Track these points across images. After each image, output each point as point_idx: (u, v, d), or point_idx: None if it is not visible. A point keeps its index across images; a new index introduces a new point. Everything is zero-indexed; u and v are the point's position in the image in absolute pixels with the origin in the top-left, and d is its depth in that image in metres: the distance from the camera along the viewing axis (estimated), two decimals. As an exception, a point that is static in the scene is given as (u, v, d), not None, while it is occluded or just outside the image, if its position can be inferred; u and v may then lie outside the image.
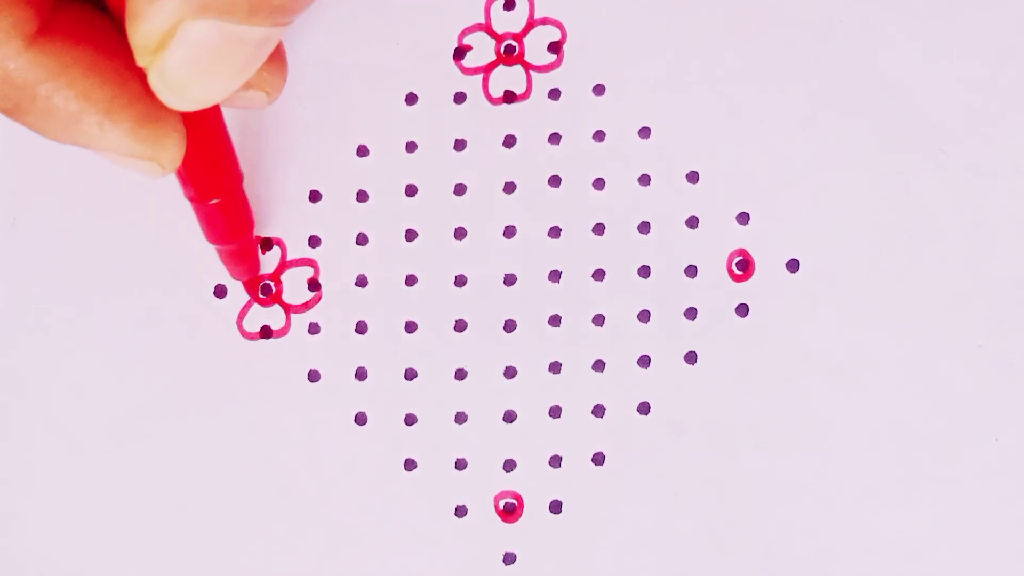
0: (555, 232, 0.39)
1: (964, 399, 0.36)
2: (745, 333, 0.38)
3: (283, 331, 0.39)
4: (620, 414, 0.38)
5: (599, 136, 0.39)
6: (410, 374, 0.39)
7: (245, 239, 0.37)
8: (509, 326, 0.38)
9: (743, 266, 0.38)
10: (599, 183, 0.39)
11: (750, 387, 0.37)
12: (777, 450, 0.37)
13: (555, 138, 0.39)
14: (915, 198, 0.37)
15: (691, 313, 0.38)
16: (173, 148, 0.30)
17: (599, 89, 0.39)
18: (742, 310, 0.38)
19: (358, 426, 0.38)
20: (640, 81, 0.39)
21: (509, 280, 0.39)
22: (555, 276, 0.38)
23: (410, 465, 0.38)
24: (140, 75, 0.29)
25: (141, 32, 0.28)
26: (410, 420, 0.38)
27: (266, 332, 0.39)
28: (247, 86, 0.33)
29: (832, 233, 0.38)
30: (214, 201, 0.35)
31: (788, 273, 0.38)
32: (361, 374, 0.39)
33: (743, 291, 0.38)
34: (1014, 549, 0.36)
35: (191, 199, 0.35)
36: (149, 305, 0.39)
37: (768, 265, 0.38)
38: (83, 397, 0.39)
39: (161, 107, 0.30)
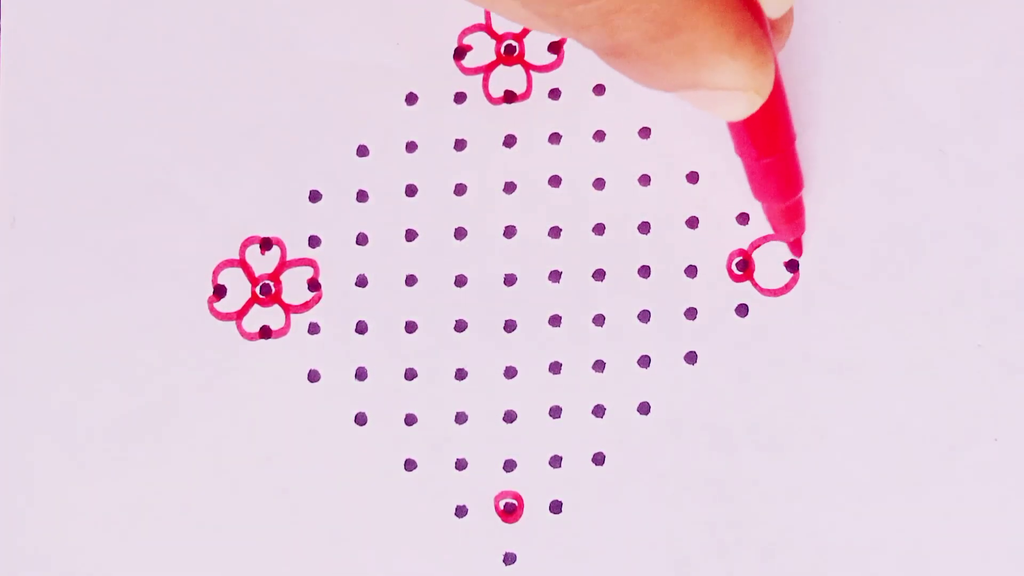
0: (555, 232, 0.39)
1: (964, 399, 0.36)
2: (745, 333, 0.38)
3: (283, 331, 0.39)
4: (620, 414, 0.38)
5: (599, 136, 0.39)
6: (410, 374, 0.39)
7: (796, 197, 0.36)
8: (509, 326, 0.38)
9: (743, 266, 0.38)
10: (599, 183, 0.39)
11: (750, 387, 0.37)
12: (777, 450, 0.37)
13: (555, 138, 0.39)
14: (915, 198, 0.37)
15: (691, 313, 0.38)
16: (771, 75, 0.30)
17: (599, 89, 0.39)
18: (742, 310, 0.38)
19: (358, 426, 0.38)
20: (640, 81, 0.39)
21: (509, 280, 0.39)
22: (555, 276, 0.39)
23: (410, 465, 0.38)
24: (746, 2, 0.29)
25: None
26: (410, 420, 0.38)
27: (266, 332, 0.39)
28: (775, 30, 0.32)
29: (832, 233, 0.38)
30: (769, 159, 0.34)
31: (788, 273, 0.38)
32: (361, 374, 0.39)
33: (743, 291, 0.38)
34: (1014, 549, 0.36)
35: (748, 156, 0.34)
36: (149, 304, 0.39)
37: (768, 265, 0.38)
38: (82, 397, 0.39)
39: (764, 35, 0.29)
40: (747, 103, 0.30)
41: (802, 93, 0.38)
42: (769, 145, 0.33)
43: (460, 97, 0.39)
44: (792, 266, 0.38)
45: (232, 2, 0.40)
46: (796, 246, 0.38)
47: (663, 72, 0.29)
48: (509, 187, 0.39)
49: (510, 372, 0.38)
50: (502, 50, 0.39)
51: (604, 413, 0.38)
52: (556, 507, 0.38)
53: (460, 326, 0.39)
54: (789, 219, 0.37)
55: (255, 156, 0.40)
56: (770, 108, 0.31)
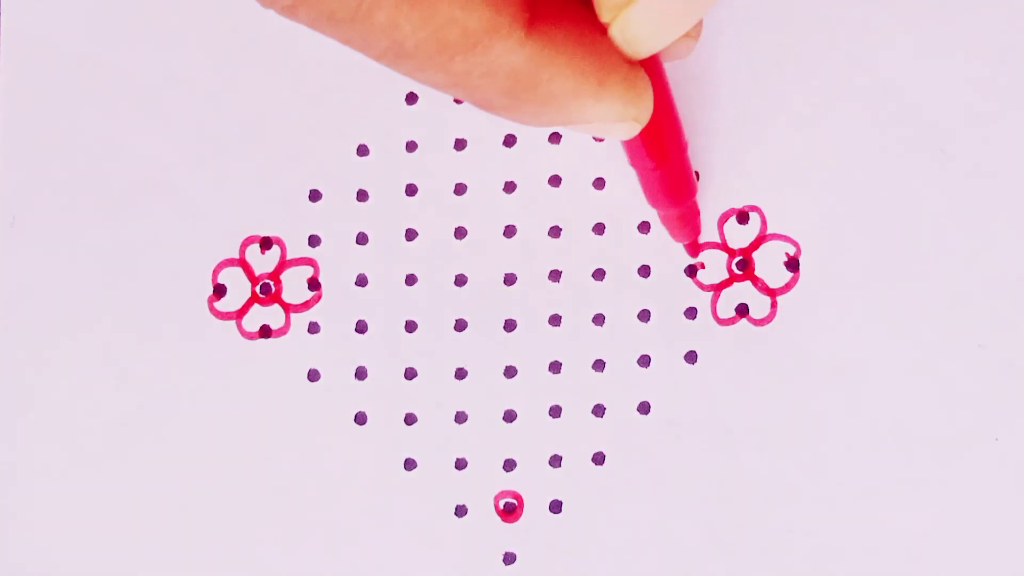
0: (555, 232, 0.39)
1: (964, 399, 0.37)
2: (745, 333, 0.38)
3: (283, 331, 0.39)
4: (620, 414, 0.38)
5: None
6: (410, 374, 0.39)
7: (690, 203, 0.36)
8: (509, 326, 0.38)
9: (743, 266, 0.38)
10: (599, 183, 0.39)
11: (750, 387, 0.37)
12: (777, 450, 0.37)
13: (555, 138, 0.39)
14: (915, 198, 0.37)
15: (691, 313, 0.38)
16: (649, 102, 0.30)
17: (599, 89, 0.39)
18: (742, 310, 0.38)
19: (358, 426, 0.38)
20: (640, 81, 0.39)
21: (509, 280, 0.39)
22: (555, 276, 0.39)
23: (410, 465, 0.38)
24: (608, 38, 0.29)
25: None
26: (410, 420, 0.38)
27: (266, 332, 0.39)
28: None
29: (832, 233, 0.38)
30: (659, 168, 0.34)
31: (788, 273, 0.38)
32: (361, 374, 0.39)
33: (743, 291, 0.38)
34: (1014, 549, 0.36)
35: (641, 167, 0.34)
36: (149, 304, 0.39)
37: (768, 265, 0.38)
38: (82, 397, 0.39)
39: (633, 65, 0.29)
40: (626, 130, 0.30)
41: (803, 93, 0.38)
42: (661, 156, 0.33)
43: (460, 97, 0.39)
44: (792, 266, 0.38)
45: (232, 2, 0.40)
46: (693, 248, 0.38)
47: (532, 118, 0.29)
48: (509, 187, 0.39)
49: (510, 372, 0.38)
50: (502, 50, 0.39)
51: (604, 413, 0.38)
52: (556, 507, 0.38)
53: (460, 326, 0.39)
54: (685, 223, 0.37)
55: (255, 156, 0.40)
56: (657, 123, 0.31)
